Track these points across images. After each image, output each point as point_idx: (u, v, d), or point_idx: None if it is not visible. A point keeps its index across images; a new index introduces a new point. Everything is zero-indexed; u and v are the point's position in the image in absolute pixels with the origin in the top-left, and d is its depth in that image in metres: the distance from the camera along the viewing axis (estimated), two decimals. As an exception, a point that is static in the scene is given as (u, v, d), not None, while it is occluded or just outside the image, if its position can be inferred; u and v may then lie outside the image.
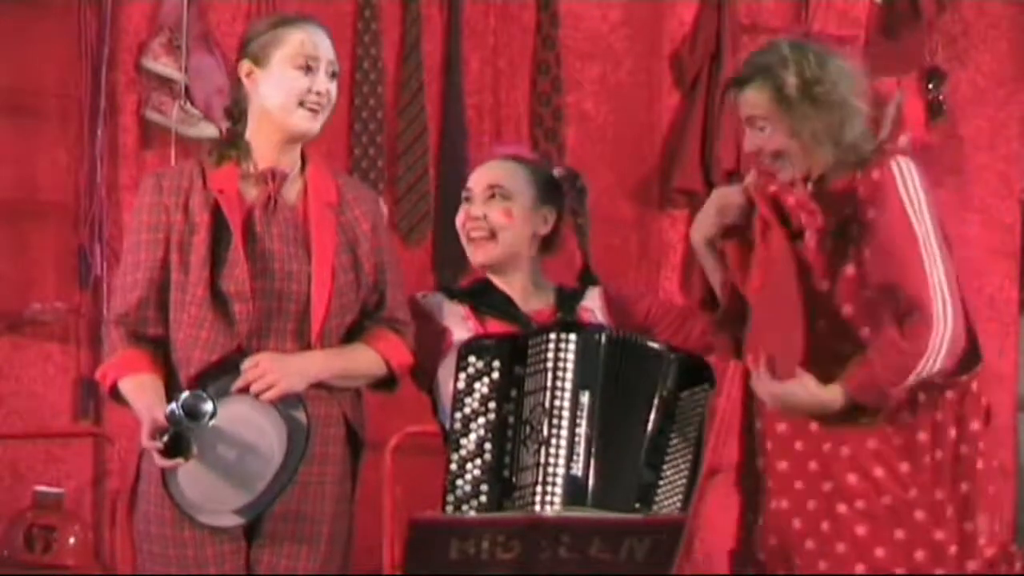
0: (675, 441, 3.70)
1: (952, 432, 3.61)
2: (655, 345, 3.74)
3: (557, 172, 4.07)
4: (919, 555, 3.58)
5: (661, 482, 3.67)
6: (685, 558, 3.88)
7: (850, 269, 3.59)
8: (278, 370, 3.57)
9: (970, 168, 6.37)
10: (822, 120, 3.60)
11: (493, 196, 3.91)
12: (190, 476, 3.52)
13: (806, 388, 3.57)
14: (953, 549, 3.58)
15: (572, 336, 3.60)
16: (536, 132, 5.86)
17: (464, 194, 3.96)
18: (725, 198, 3.76)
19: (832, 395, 3.56)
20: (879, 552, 3.59)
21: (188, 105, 5.47)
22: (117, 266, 5.38)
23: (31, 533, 5.27)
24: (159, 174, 3.73)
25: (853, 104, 3.62)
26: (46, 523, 5.29)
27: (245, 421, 3.54)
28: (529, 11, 5.89)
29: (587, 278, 4.04)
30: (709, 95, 5.94)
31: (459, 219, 3.96)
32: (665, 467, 3.68)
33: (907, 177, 3.58)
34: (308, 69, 3.67)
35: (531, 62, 5.89)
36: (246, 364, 3.58)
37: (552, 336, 3.61)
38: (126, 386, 3.62)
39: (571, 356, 3.59)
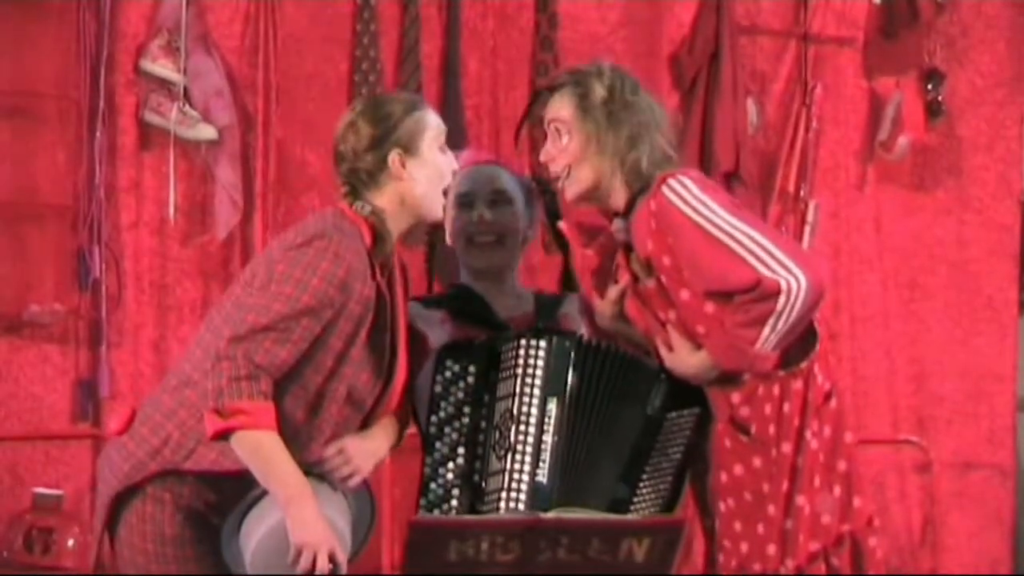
0: (656, 460, 3.67)
1: (796, 421, 3.65)
2: (642, 361, 3.71)
3: (529, 178, 4.09)
4: (771, 549, 3.64)
5: (636, 499, 3.65)
6: (684, 559, 3.87)
7: (684, 294, 3.64)
8: (361, 456, 3.57)
9: (969, 169, 6.38)
10: (614, 134, 3.69)
11: (497, 201, 3.90)
12: (264, 559, 3.46)
13: (680, 358, 3.67)
14: (801, 538, 3.63)
15: (542, 343, 3.58)
16: (535, 133, 5.85)
17: (460, 199, 3.91)
18: (608, 296, 3.85)
19: (699, 359, 3.63)
20: (743, 547, 3.66)
21: (187, 107, 5.47)
22: (115, 269, 5.45)
23: (30, 535, 5.27)
24: (344, 239, 3.50)
25: (649, 134, 3.70)
26: (45, 525, 5.29)
27: (330, 522, 3.46)
28: (528, 12, 5.89)
29: (569, 283, 4.05)
30: (708, 97, 5.94)
31: (456, 224, 3.92)
32: (642, 485, 3.66)
33: (682, 194, 3.62)
34: (444, 150, 3.66)
35: (530, 64, 5.88)
36: (329, 451, 3.54)
37: (522, 342, 3.59)
38: (274, 446, 3.41)
39: (540, 363, 3.57)
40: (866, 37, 6.24)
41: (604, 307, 3.83)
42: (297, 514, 3.37)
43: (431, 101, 5.73)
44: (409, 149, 3.60)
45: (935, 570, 6.20)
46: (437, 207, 3.64)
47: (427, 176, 3.61)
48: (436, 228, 4.03)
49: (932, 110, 6.23)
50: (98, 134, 5.45)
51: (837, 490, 3.66)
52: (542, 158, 3.77)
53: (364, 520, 3.62)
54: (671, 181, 3.63)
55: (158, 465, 3.52)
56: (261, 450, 3.40)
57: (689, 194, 3.61)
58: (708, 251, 3.57)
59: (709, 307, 3.61)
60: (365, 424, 3.64)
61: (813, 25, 6.15)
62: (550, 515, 3.47)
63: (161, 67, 5.49)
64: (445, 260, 4.06)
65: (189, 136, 5.48)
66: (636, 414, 3.66)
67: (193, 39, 5.50)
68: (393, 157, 3.60)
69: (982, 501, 6.37)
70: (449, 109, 5.75)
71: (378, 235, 3.57)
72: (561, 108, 3.75)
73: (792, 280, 3.52)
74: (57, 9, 5.46)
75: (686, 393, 3.69)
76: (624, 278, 3.77)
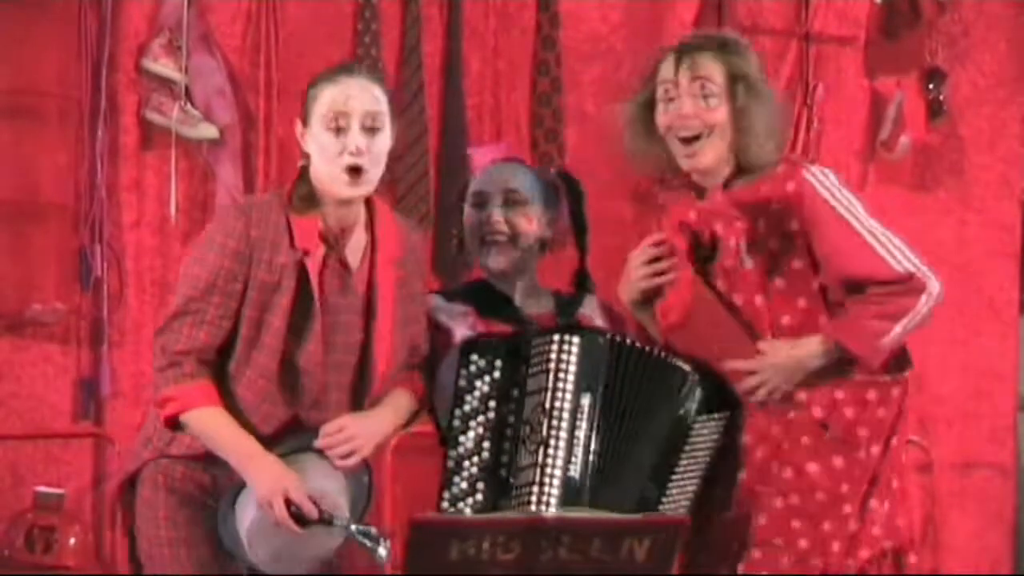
0: (686, 463, 3.65)
1: (889, 427, 3.66)
2: (674, 361, 3.68)
3: (554, 174, 4.08)
4: (835, 546, 3.63)
5: (664, 499, 3.62)
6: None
7: (779, 282, 3.64)
8: (362, 436, 3.59)
9: (970, 168, 6.37)
10: (762, 113, 3.66)
11: (510, 200, 3.90)
12: (260, 535, 3.50)
13: (779, 352, 3.64)
14: (862, 539, 3.65)
15: (576, 338, 3.57)
16: (536, 133, 5.86)
17: (474, 199, 3.93)
18: (637, 258, 3.78)
19: (808, 348, 3.62)
20: (802, 543, 3.64)
21: (188, 106, 5.48)
22: (116, 269, 5.46)
23: (31, 534, 5.28)
24: (247, 210, 3.57)
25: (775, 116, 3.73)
26: (46, 524, 5.29)
27: (320, 489, 3.52)
28: (529, 12, 5.89)
29: (584, 283, 4.04)
30: (709, 96, 5.94)
31: (470, 222, 3.93)
32: (671, 486, 3.63)
33: (826, 183, 3.66)
34: (338, 129, 3.56)
35: (531, 63, 5.89)
36: (329, 427, 3.58)
37: (556, 337, 3.58)
38: (215, 420, 3.53)
39: (574, 358, 3.56)
40: (867, 37, 6.24)
41: (627, 283, 3.78)
42: (250, 473, 3.49)
43: (432, 101, 5.75)
44: (305, 121, 3.61)
45: (936, 570, 6.19)
46: (330, 185, 3.58)
47: (314, 151, 3.59)
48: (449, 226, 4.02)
49: (933, 110, 6.23)
50: (100, 133, 5.45)
51: (886, 505, 3.67)
52: (684, 110, 3.66)
53: (360, 500, 3.63)
54: (814, 169, 3.67)
55: (150, 453, 3.64)
56: (201, 426, 3.53)
57: (834, 186, 3.67)
58: (851, 242, 3.62)
59: (801, 301, 3.63)
60: (357, 402, 3.65)
61: (814, 25, 6.16)
62: (551, 515, 3.47)
63: (163, 66, 5.49)
64: (454, 258, 4.05)
65: (191, 135, 5.49)
66: (667, 415, 3.64)
67: (195, 38, 5.50)
68: (295, 124, 3.64)
69: (983, 501, 6.37)
70: (450, 108, 5.76)
71: (297, 192, 3.59)
72: (715, 71, 3.65)
73: (933, 283, 3.62)
74: (58, 8, 5.46)
75: (718, 396, 3.68)
76: (683, 262, 3.73)
